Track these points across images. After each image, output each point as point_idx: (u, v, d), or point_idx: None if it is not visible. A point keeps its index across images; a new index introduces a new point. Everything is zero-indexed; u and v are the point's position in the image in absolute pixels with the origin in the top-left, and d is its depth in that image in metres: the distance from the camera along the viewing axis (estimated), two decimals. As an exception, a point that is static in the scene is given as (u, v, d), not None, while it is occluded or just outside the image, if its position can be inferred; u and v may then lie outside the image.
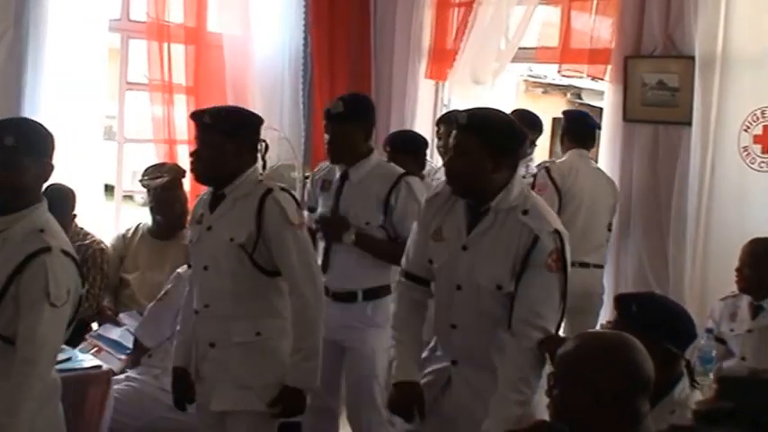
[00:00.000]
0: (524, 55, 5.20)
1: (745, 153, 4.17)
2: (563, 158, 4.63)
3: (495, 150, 2.58)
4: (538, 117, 5.03)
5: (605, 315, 4.43)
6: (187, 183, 4.34)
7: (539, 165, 4.78)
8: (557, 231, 2.58)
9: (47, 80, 4.40)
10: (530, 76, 12.43)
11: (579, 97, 13.09)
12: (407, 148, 4.11)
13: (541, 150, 5.59)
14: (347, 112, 3.42)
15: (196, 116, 2.91)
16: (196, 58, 4.90)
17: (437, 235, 2.71)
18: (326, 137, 3.47)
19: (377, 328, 3.47)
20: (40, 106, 4.39)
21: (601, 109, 4.98)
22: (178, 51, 4.87)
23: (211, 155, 2.83)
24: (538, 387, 2.55)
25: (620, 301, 2.64)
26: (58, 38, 4.45)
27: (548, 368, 2.49)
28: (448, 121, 4.24)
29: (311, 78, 5.44)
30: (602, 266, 4.55)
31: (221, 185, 2.87)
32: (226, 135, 2.82)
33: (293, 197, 2.94)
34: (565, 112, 5.07)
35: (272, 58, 5.21)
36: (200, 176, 2.94)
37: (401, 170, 3.54)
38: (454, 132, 2.66)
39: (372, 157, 3.55)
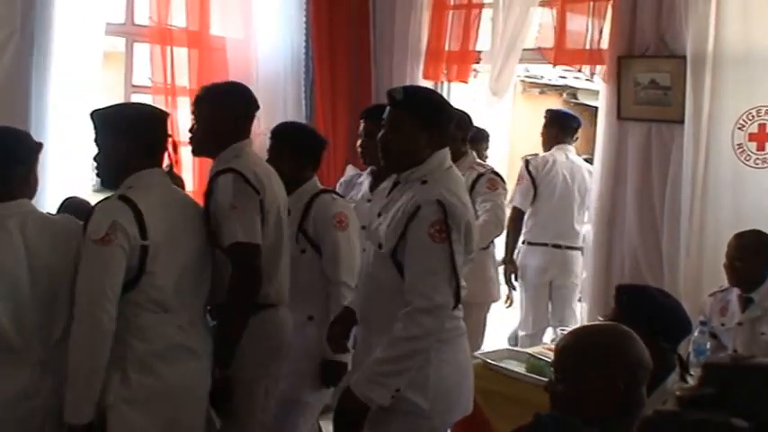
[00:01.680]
0: (523, 56, 5.26)
1: (740, 150, 4.21)
2: (544, 153, 5.31)
3: (425, 124, 2.67)
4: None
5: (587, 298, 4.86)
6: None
7: (522, 157, 5.46)
8: (440, 202, 2.58)
9: (53, 84, 4.46)
10: (527, 76, 12.51)
11: (575, 97, 13.16)
12: None
13: (537, 149, 5.67)
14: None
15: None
16: (199, 61, 4.96)
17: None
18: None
19: None
20: (48, 110, 4.46)
21: (596, 108, 5.06)
22: (181, 54, 4.93)
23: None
24: (407, 361, 2.58)
25: (617, 291, 2.73)
26: (64, 42, 4.50)
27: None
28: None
29: (312, 80, 5.50)
30: (575, 248, 5.21)
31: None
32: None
33: None
34: (547, 111, 5.62)
35: (274, 61, 5.26)
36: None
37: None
38: (389, 109, 2.73)
39: None
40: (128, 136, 2.71)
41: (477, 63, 5.29)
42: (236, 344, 2.82)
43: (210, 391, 2.81)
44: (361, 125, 3.77)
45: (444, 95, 5.57)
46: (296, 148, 3.39)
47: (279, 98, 5.25)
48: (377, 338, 2.68)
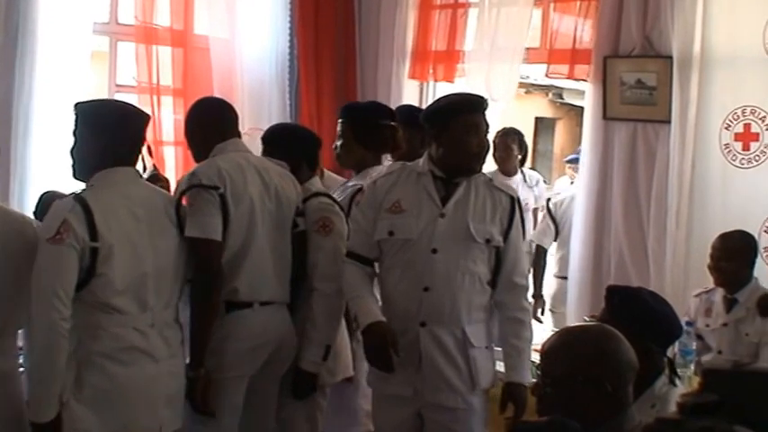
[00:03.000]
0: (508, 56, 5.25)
1: (727, 150, 4.23)
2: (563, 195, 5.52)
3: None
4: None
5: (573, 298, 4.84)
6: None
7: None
8: (519, 199, 3.07)
9: (38, 84, 4.42)
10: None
11: (561, 97, 13.19)
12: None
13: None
14: None
15: None
16: (184, 61, 4.93)
17: (396, 207, 2.94)
18: None
19: None
20: (32, 110, 4.44)
21: (582, 108, 5.06)
22: (166, 54, 4.90)
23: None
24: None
25: (608, 291, 2.72)
26: (49, 42, 4.47)
27: None
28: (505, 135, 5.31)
29: (297, 80, 5.48)
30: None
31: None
32: None
33: None
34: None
35: (259, 61, 5.24)
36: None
37: None
38: (480, 115, 2.99)
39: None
40: (98, 132, 2.69)
41: (463, 63, 5.26)
42: (204, 343, 2.83)
43: (187, 391, 2.82)
44: (339, 125, 3.61)
45: (429, 96, 5.59)
46: (288, 151, 3.29)
47: (264, 98, 5.23)
48: (446, 337, 2.91)
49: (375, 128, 3.54)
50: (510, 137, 5.53)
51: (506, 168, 5.51)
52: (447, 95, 3.29)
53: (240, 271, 2.96)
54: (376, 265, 3.04)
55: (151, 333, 2.70)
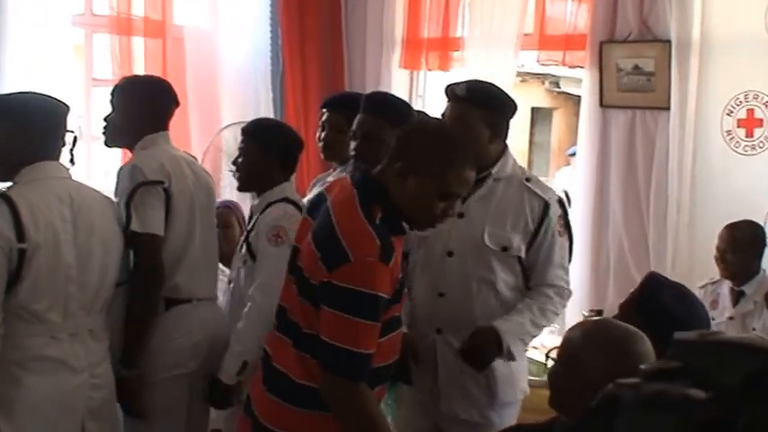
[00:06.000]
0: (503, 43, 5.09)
1: (729, 137, 4.13)
2: None
3: (491, 120, 2.67)
4: None
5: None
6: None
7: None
8: (560, 199, 2.79)
9: (11, 80, 4.23)
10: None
11: (557, 86, 13.04)
12: None
13: (521, 139, 5.53)
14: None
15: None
16: (162, 53, 4.77)
17: None
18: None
19: None
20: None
21: (580, 97, 4.93)
22: (143, 45, 4.74)
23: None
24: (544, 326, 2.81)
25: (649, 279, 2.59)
26: (21, 35, 4.29)
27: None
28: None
29: (282, 71, 5.32)
30: None
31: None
32: None
33: None
34: None
35: (241, 51, 5.07)
36: None
37: None
38: (451, 105, 2.70)
39: None
40: (17, 125, 2.57)
41: (460, 51, 5.07)
42: (141, 341, 2.76)
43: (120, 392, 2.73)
44: (324, 116, 3.42)
45: (420, 86, 5.45)
46: (267, 148, 3.08)
47: (247, 91, 5.08)
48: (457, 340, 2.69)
49: None
50: None
51: None
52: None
53: (181, 266, 2.88)
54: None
55: (73, 342, 2.57)
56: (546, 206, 2.71)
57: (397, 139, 2.22)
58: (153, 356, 2.80)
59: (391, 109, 2.93)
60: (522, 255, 2.72)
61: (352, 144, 2.91)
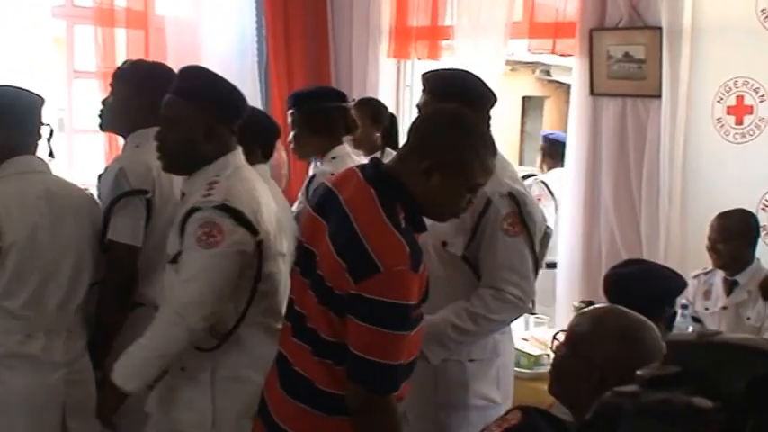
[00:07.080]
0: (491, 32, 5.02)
1: (719, 125, 4.08)
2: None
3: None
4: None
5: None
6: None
7: (532, 177, 5.17)
8: (510, 194, 2.52)
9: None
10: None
11: (548, 74, 12.99)
12: None
13: (512, 129, 5.47)
14: None
15: None
16: (145, 43, 4.70)
17: None
18: None
19: None
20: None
21: (569, 85, 4.87)
22: (126, 36, 4.67)
23: None
24: (483, 333, 2.59)
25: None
26: (1, 27, 4.23)
27: None
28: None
29: (267, 63, 5.25)
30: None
31: None
32: None
33: None
34: (544, 137, 5.48)
35: (225, 42, 5.00)
36: None
37: None
38: (424, 96, 2.63)
39: None
40: None
41: (450, 40, 5.00)
42: (106, 343, 2.68)
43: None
44: (289, 116, 3.42)
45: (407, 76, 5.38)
46: (243, 131, 2.85)
47: (232, 82, 4.96)
48: None
49: (322, 112, 3.38)
50: (361, 108, 4.27)
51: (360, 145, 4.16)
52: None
53: (154, 277, 2.70)
54: None
55: (48, 339, 2.54)
56: (487, 203, 2.49)
57: (416, 134, 2.10)
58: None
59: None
60: (459, 253, 2.56)
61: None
